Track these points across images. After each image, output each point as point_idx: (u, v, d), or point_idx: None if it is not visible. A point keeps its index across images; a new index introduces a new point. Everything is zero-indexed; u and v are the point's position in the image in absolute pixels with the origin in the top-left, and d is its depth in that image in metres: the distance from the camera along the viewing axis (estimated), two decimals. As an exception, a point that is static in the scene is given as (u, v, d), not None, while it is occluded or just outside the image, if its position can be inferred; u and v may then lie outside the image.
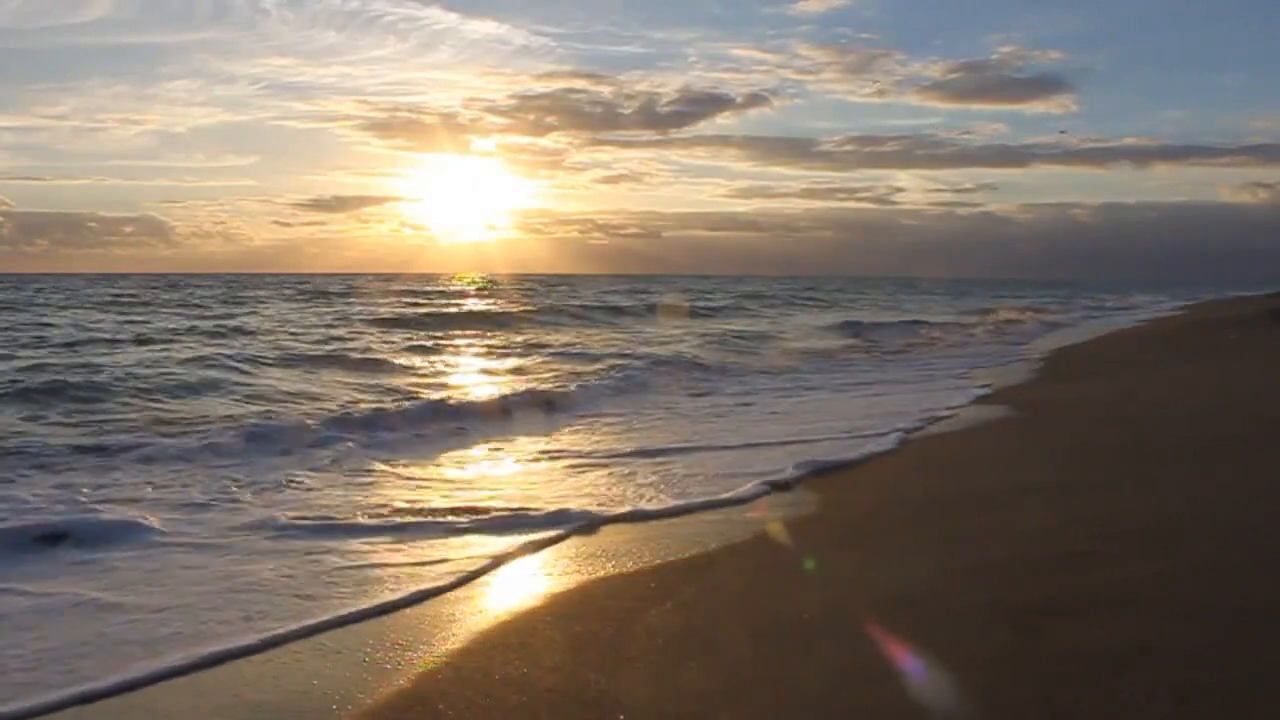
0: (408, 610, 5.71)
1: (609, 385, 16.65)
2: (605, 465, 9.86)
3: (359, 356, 21.59)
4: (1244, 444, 9.11)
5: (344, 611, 5.55)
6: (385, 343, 26.52)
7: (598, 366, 20.58)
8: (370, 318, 36.24)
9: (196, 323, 32.05)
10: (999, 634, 4.54)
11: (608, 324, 37.66)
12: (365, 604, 5.70)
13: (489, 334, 30.50)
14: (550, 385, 16.45)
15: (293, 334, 28.28)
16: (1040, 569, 5.49)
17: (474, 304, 50.01)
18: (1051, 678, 3.99)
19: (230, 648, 5.01)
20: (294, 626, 5.32)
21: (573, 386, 15.83)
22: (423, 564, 6.55)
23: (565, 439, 11.76)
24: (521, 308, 44.96)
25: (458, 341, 28.00)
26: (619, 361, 21.38)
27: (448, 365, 21.75)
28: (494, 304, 49.53)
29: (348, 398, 15.01)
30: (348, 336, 28.00)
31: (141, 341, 24.55)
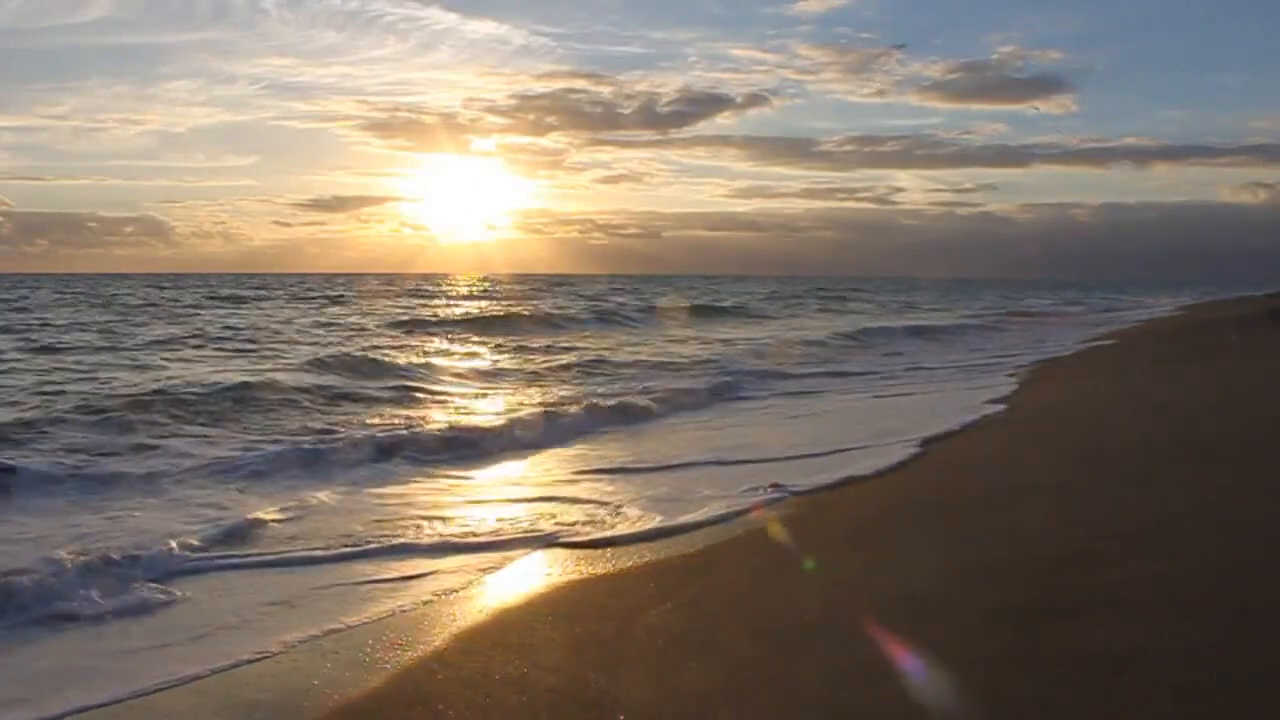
0: (407, 610, 5.71)
1: (672, 393, 16.05)
2: (640, 477, 9.56)
3: (383, 364, 20.70)
4: (1244, 444, 9.09)
5: (350, 620, 5.54)
6: (405, 347, 25.89)
7: (642, 372, 20.25)
8: (388, 321, 35.68)
9: (208, 328, 31.32)
10: (999, 634, 4.54)
11: (634, 327, 36.95)
12: (367, 613, 5.69)
13: (514, 338, 29.66)
14: (576, 397, 15.69)
15: (315, 340, 27.78)
16: (1041, 569, 5.49)
17: (492, 306, 49.00)
18: (1051, 678, 3.99)
19: (235, 660, 5.02)
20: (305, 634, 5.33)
21: (584, 404, 14.77)
22: (428, 573, 6.55)
23: (593, 451, 11.40)
24: (534, 309, 44.48)
25: (486, 347, 26.88)
26: (666, 369, 21.03)
27: (481, 374, 20.53)
28: (519, 306, 48.33)
29: (373, 411, 14.46)
30: (368, 343, 27.21)
31: (158, 347, 24.33)
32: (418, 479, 9.77)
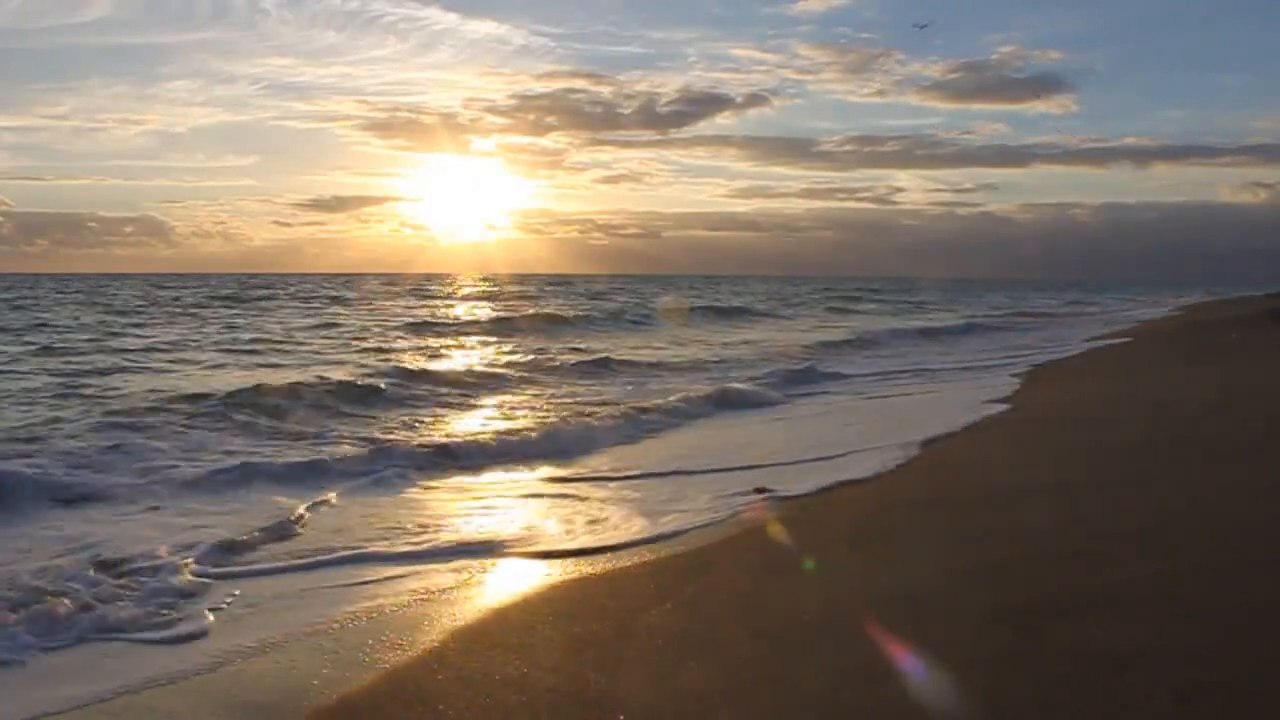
0: (407, 611, 5.72)
1: (684, 398, 15.65)
2: (639, 483, 9.45)
3: (394, 367, 19.84)
4: (1244, 444, 9.10)
5: (350, 621, 5.54)
6: (416, 350, 25.59)
7: (658, 375, 20.14)
8: (397, 324, 35.39)
9: (216, 331, 30.84)
10: (999, 634, 4.54)
11: (646, 328, 36.50)
12: (366, 614, 5.70)
13: (526, 340, 29.23)
14: (592, 402, 15.45)
15: (323, 341, 27.48)
16: (1041, 569, 5.49)
17: (500, 308, 48.31)
18: (1051, 678, 3.99)
19: (234, 661, 5.03)
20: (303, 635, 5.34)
21: (600, 410, 14.36)
22: (428, 574, 6.58)
23: (602, 457, 11.18)
24: (544, 310, 44.10)
25: (498, 350, 26.16)
26: (679, 371, 20.95)
27: (493, 377, 19.23)
28: (529, 307, 47.72)
29: (382, 417, 14.11)
30: (378, 345, 27.00)
31: (163, 350, 24.10)
32: (428, 486, 9.68)
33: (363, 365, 20.38)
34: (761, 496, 8.33)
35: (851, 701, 4.03)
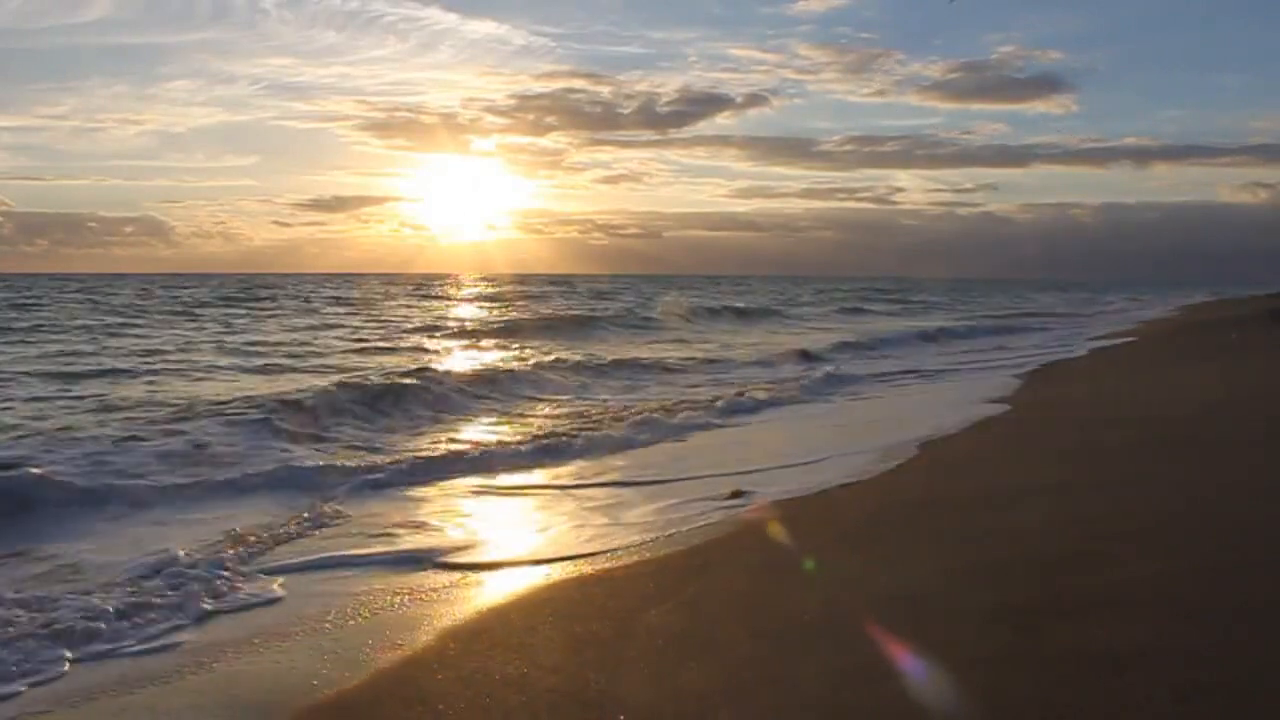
0: (406, 611, 5.73)
1: (693, 403, 15.40)
2: (630, 491, 9.29)
3: (405, 370, 18.96)
4: (1245, 444, 9.10)
5: (349, 621, 5.54)
6: (431, 353, 25.40)
7: (673, 378, 20.13)
8: (407, 327, 35.25)
9: (226, 336, 30.23)
10: (999, 634, 4.54)
11: (657, 330, 36.02)
12: (365, 615, 5.71)
13: (538, 343, 28.64)
14: (612, 405, 15.28)
15: (333, 339, 27.32)
16: (1041, 569, 5.48)
17: (509, 310, 48.09)
18: (1051, 678, 3.99)
19: (234, 661, 5.03)
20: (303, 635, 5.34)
21: (620, 414, 14.24)
22: (430, 574, 6.58)
23: (609, 463, 10.94)
24: (555, 312, 43.91)
25: (510, 352, 25.57)
26: (693, 373, 20.97)
27: (506, 381, 18.40)
28: (544, 308, 47.66)
29: (389, 423, 13.79)
30: (389, 345, 27.01)
31: (164, 354, 24.04)
32: (432, 488, 9.62)
33: (368, 367, 20.23)
34: (738, 500, 8.27)
35: (851, 701, 4.03)
